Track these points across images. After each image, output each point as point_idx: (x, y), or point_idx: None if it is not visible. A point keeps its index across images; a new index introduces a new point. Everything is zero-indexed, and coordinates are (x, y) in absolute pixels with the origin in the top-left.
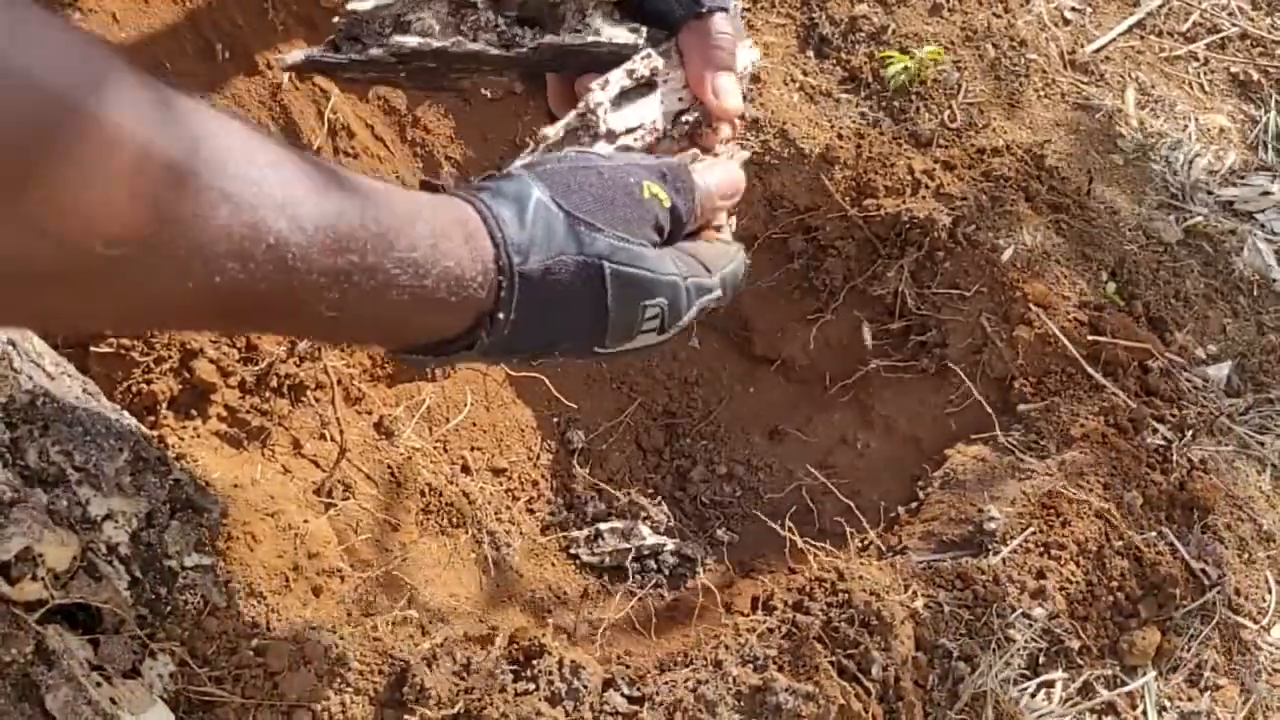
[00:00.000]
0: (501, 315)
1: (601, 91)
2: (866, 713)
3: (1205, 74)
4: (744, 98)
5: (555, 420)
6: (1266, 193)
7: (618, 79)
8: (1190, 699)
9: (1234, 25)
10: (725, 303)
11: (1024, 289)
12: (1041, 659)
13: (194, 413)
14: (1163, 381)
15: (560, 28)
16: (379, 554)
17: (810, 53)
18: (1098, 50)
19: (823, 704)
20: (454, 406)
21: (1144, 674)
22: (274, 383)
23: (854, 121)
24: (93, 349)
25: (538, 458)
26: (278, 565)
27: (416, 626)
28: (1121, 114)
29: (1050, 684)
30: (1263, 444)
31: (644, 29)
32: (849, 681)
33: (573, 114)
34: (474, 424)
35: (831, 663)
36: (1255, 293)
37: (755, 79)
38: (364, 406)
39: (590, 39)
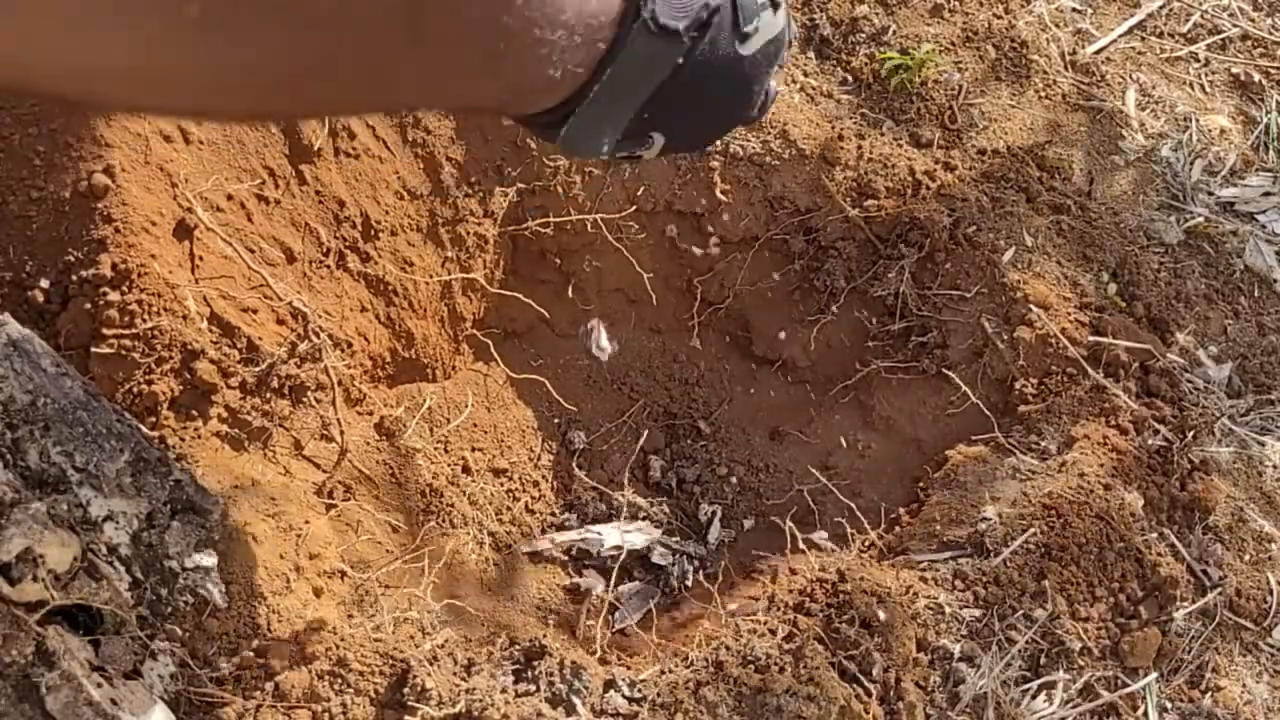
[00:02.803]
0: None
1: None
2: (867, 714)
3: (1206, 75)
4: None
5: (556, 421)
6: (1267, 193)
7: None
8: (1191, 700)
9: (1235, 26)
10: (783, 52)
11: (1025, 290)
12: (1042, 660)
13: (195, 413)
14: (1164, 383)
15: None
16: (380, 555)
17: (811, 53)
18: (1098, 51)
19: (823, 705)
20: (455, 407)
21: (1145, 675)
22: (275, 383)
23: (855, 122)
24: (94, 350)
25: (539, 459)
26: (279, 566)
27: (417, 627)
28: (1122, 115)
29: (1051, 685)
30: (1264, 445)
31: None
32: (850, 682)
33: None
34: (475, 425)
35: (832, 664)
36: (1256, 293)
37: None
38: (365, 407)
39: None
